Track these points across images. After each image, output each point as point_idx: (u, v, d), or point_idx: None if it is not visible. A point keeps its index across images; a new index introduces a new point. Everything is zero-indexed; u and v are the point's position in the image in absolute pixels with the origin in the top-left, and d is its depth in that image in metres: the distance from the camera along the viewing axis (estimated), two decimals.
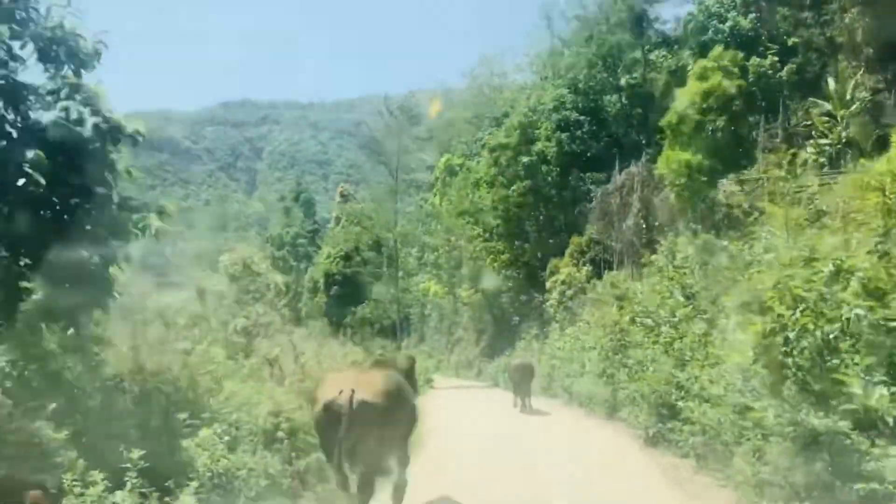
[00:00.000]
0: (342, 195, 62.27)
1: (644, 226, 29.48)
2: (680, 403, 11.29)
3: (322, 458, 7.70)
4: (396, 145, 50.40)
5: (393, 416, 7.24)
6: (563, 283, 32.19)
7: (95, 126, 7.31)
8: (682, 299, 13.93)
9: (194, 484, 6.10)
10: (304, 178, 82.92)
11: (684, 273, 14.64)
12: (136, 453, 5.75)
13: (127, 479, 5.68)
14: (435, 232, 50.44)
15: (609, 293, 24.88)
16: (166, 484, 6.04)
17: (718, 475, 9.43)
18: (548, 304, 32.79)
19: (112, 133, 7.40)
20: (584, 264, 33.03)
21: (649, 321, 14.30)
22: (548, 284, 33.55)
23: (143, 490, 5.74)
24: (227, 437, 7.14)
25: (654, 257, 19.69)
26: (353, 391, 6.80)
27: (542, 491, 9.36)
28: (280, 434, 8.10)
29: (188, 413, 6.98)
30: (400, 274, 54.42)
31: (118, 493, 5.56)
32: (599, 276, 30.34)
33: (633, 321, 15.63)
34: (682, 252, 18.60)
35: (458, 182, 48.48)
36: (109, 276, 7.23)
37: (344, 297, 50.89)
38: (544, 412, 19.39)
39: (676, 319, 13.44)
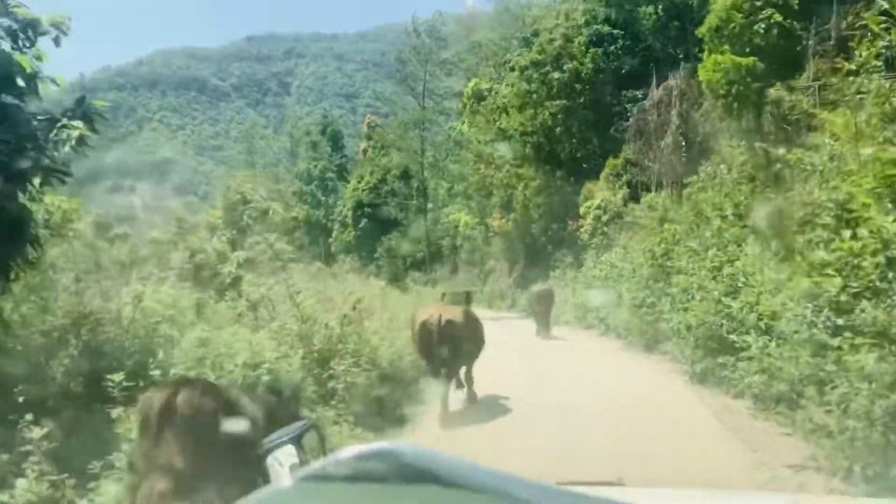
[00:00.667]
0: (369, 126, 60.54)
1: (684, 143, 27.53)
2: (733, 337, 9.81)
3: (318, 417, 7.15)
4: (423, 71, 48.31)
5: (468, 333, 10.45)
6: (597, 207, 30.53)
7: None
8: (731, 217, 12.33)
9: (122, 464, 4.78)
10: (332, 112, 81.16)
11: (739, 185, 13.00)
12: (38, 431, 4.48)
13: (27, 465, 4.42)
14: (464, 160, 48.70)
15: (647, 216, 23.35)
16: (90, 467, 4.77)
17: (782, 420, 8.01)
18: (582, 230, 31.21)
19: (25, 31, 5.95)
20: (620, 188, 31.34)
21: (695, 244, 12.71)
22: (581, 210, 31.92)
23: (55, 477, 4.47)
24: None
25: (701, 172, 18.01)
26: (440, 314, 10.19)
27: (577, 436, 7.98)
28: (260, 389, 6.83)
29: (125, 373, 5.62)
30: (430, 206, 53.04)
31: (20, 481, 4.32)
32: (637, 200, 28.72)
33: (676, 245, 14.04)
34: (729, 167, 17.00)
35: (486, 107, 46.61)
36: (24, 213, 5.86)
37: (373, 231, 49.60)
38: (579, 345, 18.09)
39: (725, 241, 11.87)
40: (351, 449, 0.94)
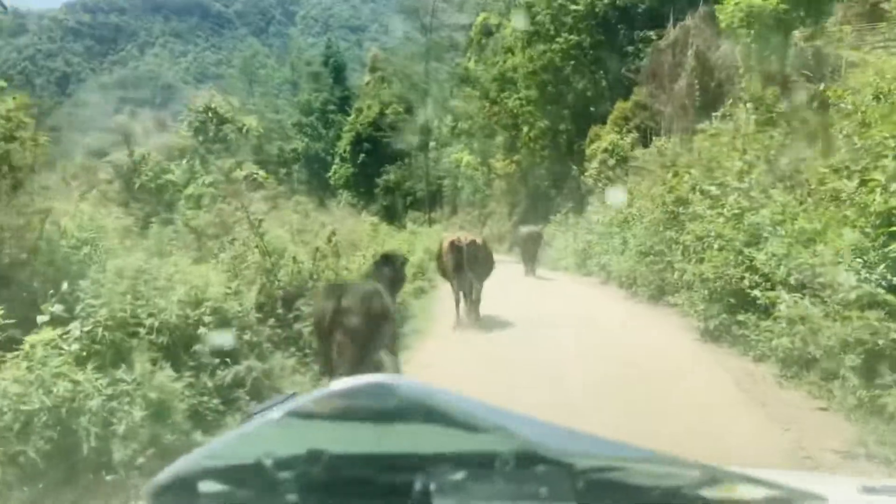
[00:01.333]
0: (373, 59, 58.50)
1: (698, 87, 26.03)
2: (756, 292, 8.63)
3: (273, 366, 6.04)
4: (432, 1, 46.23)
5: (484, 254, 12.92)
6: (604, 151, 29.14)
7: None
8: (755, 161, 11.05)
9: None
10: (337, 45, 78.62)
11: (764, 127, 11.71)
12: None
13: None
14: (469, 98, 47.00)
15: (657, 161, 22.05)
16: None
17: (815, 392, 6.88)
18: (587, 174, 29.87)
19: None
20: (628, 132, 29.93)
21: (714, 189, 11.44)
22: (587, 153, 30.54)
23: None
24: (78, 343, 4.61)
25: (720, 112, 16.67)
26: (466, 237, 12.77)
27: (573, 401, 6.80)
28: (201, 331, 5.64)
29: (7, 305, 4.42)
30: (432, 144, 51.52)
31: None
32: (645, 145, 27.38)
33: (693, 190, 12.76)
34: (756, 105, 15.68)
35: (493, 43, 44.87)
36: None
37: (372, 166, 48.06)
38: (578, 292, 16.98)
39: (748, 186, 10.61)
40: (342, 382, 0.93)
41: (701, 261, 10.64)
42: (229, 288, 6.37)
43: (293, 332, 7.22)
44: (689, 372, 8.19)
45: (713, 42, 26.19)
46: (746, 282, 9.01)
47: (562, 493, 0.96)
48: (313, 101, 59.32)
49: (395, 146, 47.25)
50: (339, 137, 54.28)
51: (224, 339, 5.51)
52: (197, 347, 5.46)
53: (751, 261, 9.14)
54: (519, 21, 37.03)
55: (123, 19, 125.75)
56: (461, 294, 12.36)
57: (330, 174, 51.98)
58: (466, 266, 12.01)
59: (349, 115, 55.74)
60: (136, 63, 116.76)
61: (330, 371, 6.29)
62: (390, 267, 7.64)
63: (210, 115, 23.28)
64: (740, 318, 8.86)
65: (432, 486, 0.96)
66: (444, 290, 14.75)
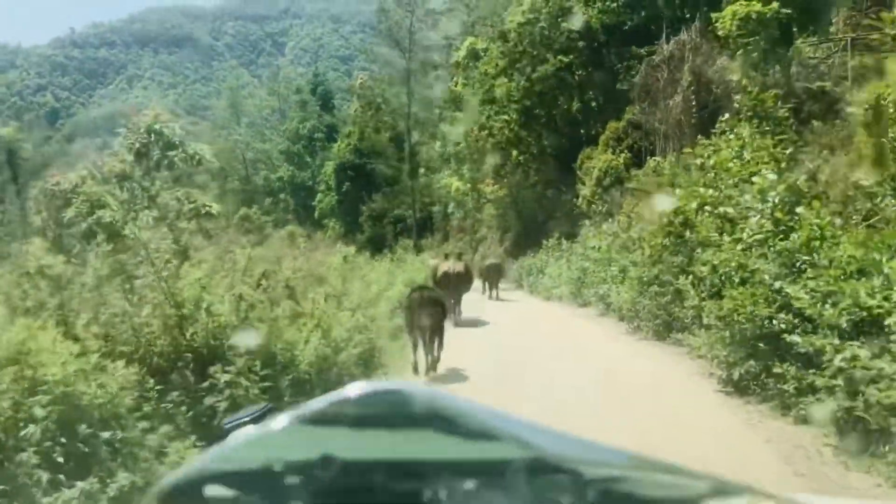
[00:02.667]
0: (361, 86, 57.06)
1: (694, 103, 24.49)
2: (795, 337, 6.87)
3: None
4: (408, 21, 44.81)
5: (467, 278, 17.61)
6: (598, 170, 27.51)
7: None
8: (773, 177, 9.34)
9: None
10: (326, 74, 77.50)
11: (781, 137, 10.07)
12: None
13: None
14: (457, 122, 45.53)
15: (654, 181, 20.47)
16: None
17: (891, 472, 5.10)
18: (579, 197, 28.25)
19: None
20: (621, 152, 28.37)
21: (729, 210, 9.71)
22: (579, 174, 28.94)
23: None
24: None
25: (721, 126, 15.09)
26: (455, 266, 17.00)
27: None
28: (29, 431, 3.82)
29: None
30: (422, 171, 50.00)
31: None
32: (639, 165, 25.86)
33: (700, 210, 11.04)
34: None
35: (480, 68, 43.53)
36: None
37: (357, 194, 46.39)
38: (574, 327, 15.23)
39: (770, 205, 8.87)
40: (354, 386, 0.91)
41: (718, 294, 8.90)
42: (87, 362, 4.60)
43: (203, 409, 5.44)
44: (718, 439, 6.38)
45: (710, 56, 24.71)
46: (780, 323, 7.24)
47: (574, 502, 0.96)
48: (300, 129, 57.81)
49: (380, 173, 45.64)
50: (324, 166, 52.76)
51: None
52: (22, 456, 3.70)
53: (784, 297, 7.38)
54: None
55: (112, 53, 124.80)
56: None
57: (315, 202, 50.32)
58: (456, 289, 16.21)
59: (336, 142, 54.31)
60: (126, 96, 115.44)
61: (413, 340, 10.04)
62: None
63: (153, 137, 21.37)
64: (776, 369, 7.07)
65: (443, 495, 0.96)
66: None
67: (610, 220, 19.27)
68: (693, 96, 24.67)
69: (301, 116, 61.74)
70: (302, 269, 11.67)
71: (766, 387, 7.47)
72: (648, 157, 25.98)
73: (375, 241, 42.86)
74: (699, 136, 22.12)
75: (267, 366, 6.05)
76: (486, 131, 39.90)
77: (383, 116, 47.38)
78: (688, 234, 11.53)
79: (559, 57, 33.84)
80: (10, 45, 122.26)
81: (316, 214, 49.87)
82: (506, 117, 37.63)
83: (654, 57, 27.37)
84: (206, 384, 5.64)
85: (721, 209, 10.07)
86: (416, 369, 9.84)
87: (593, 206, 27.28)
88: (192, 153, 22.03)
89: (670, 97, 25.84)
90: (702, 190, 11.62)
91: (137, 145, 20.83)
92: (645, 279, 12.68)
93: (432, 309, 9.90)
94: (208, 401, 5.50)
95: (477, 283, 25.55)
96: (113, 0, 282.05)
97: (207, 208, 16.00)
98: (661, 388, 8.67)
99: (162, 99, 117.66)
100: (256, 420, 1.74)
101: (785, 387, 6.97)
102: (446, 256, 19.36)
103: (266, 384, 5.90)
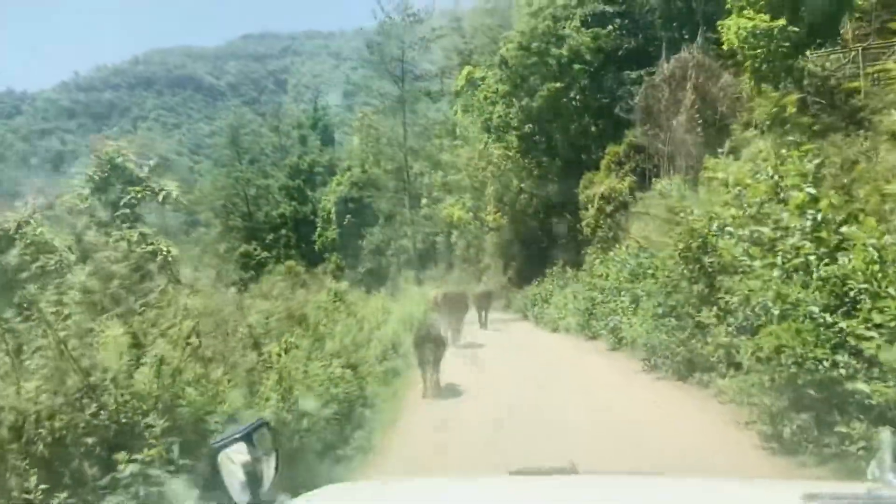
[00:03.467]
0: (362, 120, 56.09)
1: (700, 120, 23.25)
2: (861, 385, 5.45)
3: None
4: (399, 50, 43.80)
5: (464, 302, 20.79)
6: (600, 197, 26.20)
7: None
8: (812, 190, 7.98)
9: None
10: (329, 111, 76.71)
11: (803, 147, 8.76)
12: None
13: None
14: (457, 151, 44.41)
15: (661, 204, 19.15)
16: None
17: None
18: (584, 223, 26.92)
19: None
20: (624, 176, 27.08)
21: (763, 230, 8.31)
22: (582, 199, 27.62)
23: None
24: None
25: (730, 143, 13.80)
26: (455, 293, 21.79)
27: None
28: None
29: None
30: (424, 201, 48.78)
31: None
32: (643, 188, 24.57)
33: (720, 231, 9.65)
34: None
35: (479, 96, 42.50)
36: None
37: (358, 227, 45.07)
38: (584, 363, 13.77)
39: (811, 223, 7.48)
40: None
41: (750, 329, 7.49)
42: None
43: None
44: None
45: (713, 73, 23.53)
46: (839, 367, 5.82)
47: None
48: (300, 163, 56.74)
49: (380, 205, 44.41)
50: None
51: None
52: None
53: (838, 334, 5.97)
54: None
55: (116, 95, 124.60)
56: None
57: (316, 237, 49.04)
58: (456, 313, 19.00)
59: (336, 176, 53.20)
60: (131, 137, 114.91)
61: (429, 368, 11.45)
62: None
63: (113, 170, 20.01)
64: (840, 427, 5.63)
65: None
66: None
67: (616, 246, 17.81)
68: (697, 114, 23.47)
69: (301, 151, 60.76)
70: (276, 311, 10.28)
71: (824, 444, 6.02)
72: (653, 180, 24.75)
73: (377, 274, 41.51)
74: (705, 156, 21.01)
75: (196, 447, 4.66)
76: (486, 159, 38.89)
77: (381, 148, 46.21)
78: (706, 259, 10.14)
79: (553, 84, 32.80)
80: (17, 90, 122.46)
81: (317, 248, 48.59)
82: (505, 144, 36.71)
83: (654, 77, 26.19)
84: (108, 478, 4.26)
85: (748, 229, 8.66)
86: (425, 392, 11.38)
87: (598, 232, 25.97)
88: (157, 190, 20.63)
89: (673, 117, 24.62)
90: (719, 209, 10.24)
91: (96, 178, 19.43)
92: (660, 310, 11.25)
93: (435, 345, 11.80)
94: (112, 501, 4.12)
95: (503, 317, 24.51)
96: (116, 42, 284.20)
97: (165, 251, 14.18)
98: (694, 444, 7.21)
99: (166, 139, 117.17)
100: (247, 437, 1.85)
101: (851, 448, 5.53)
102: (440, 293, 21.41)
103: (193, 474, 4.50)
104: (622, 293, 14.66)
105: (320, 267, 44.13)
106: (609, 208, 25.48)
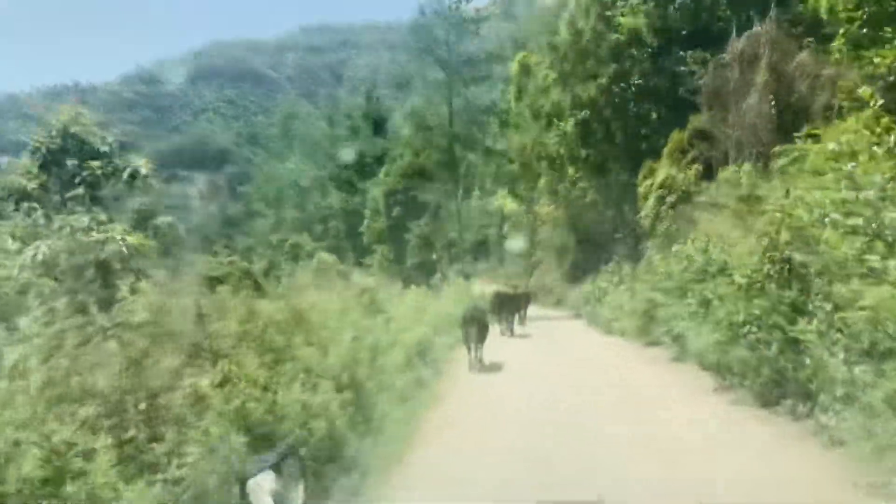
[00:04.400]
0: (412, 109, 54.47)
1: (773, 104, 20.72)
2: None
3: None
4: (445, 30, 41.81)
5: (519, 298, 22.98)
6: (661, 186, 23.82)
7: None
8: None
9: None
10: (378, 99, 75.40)
11: None
12: None
13: None
14: (511, 140, 42.37)
15: (731, 194, 16.93)
16: None
17: None
18: (642, 214, 24.61)
19: None
20: (688, 165, 24.64)
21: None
22: (641, 190, 25.28)
23: None
24: None
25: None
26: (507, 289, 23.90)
27: None
28: None
29: None
30: (476, 193, 46.92)
31: None
32: (709, 178, 22.24)
33: (819, 223, 7.49)
34: None
35: (532, 83, 40.38)
36: None
37: (406, 219, 43.31)
38: (646, 378, 11.66)
39: None
40: None
41: (877, 353, 5.38)
42: None
43: None
44: None
45: (789, 50, 20.97)
46: None
47: None
48: (350, 154, 55.39)
49: (428, 196, 42.61)
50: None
51: None
52: None
53: None
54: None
55: (178, 87, 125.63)
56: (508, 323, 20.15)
57: (364, 228, 47.54)
58: (507, 307, 20.83)
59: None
60: (192, 129, 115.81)
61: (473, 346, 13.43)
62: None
63: (70, 142, 18.15)
64: None
65: None
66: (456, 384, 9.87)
67: (680, 240, 15.53)
68: (771, 96, 20.95)
69: (352, 142, 59.52)
70: (278, 315, 8.51)
71: None
72: (719, 169, 22.42)
73: (424, 268, 39.74)
74: (780, 141, 18.68)
75: None
76: (539, 148, 36.82)
77: (429, 136, 44.38)
78: (799, 256, 7.99)
79: (609, 69, 30.64)
80: (82, 83, 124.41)
81: (365, 240, 47.12)
82: (560, 132, 34.59)
83: (723, 56, 23.66)
84: None
85: (865, 219, 6.50)
86: (470, 366, 13.17)
87: (658, 225, 23.65)
88: (122, 167, 18.45)
89: (743, 99, 22.12)
90: (818, 194, 8.04)
91: (44, 150, 17.38)
92: (738, 318, 9.10)
93: (480, 326, 13.59)
94: None
95: (572, 330, 22.73)
96: (178, 36, 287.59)
97: (121, 239, 12.11)
98: None
99: (226, 131, 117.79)
100: (276, 466, 1.92)
101: None
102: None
103: None
104: (688, 295, 12.47)
105: (369, 259, 42.77)
106: (670, 199, 23.10)
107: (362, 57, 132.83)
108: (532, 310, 25.92)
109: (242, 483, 1.86)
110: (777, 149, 18.31)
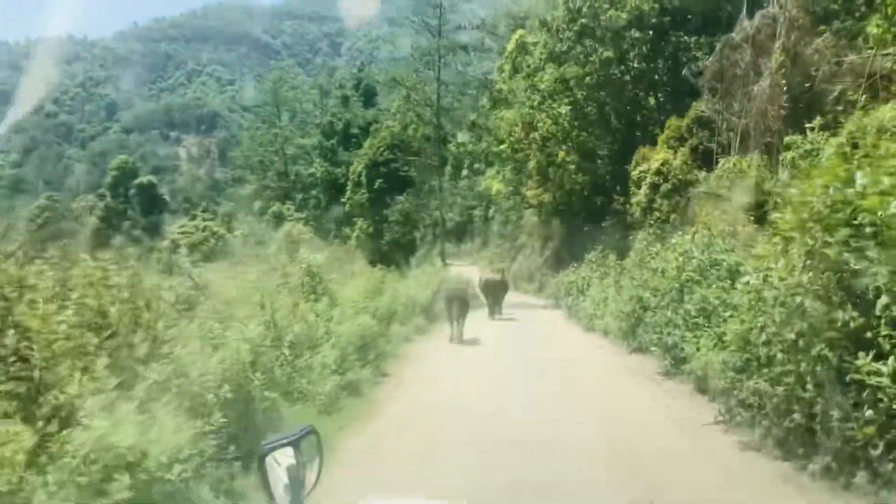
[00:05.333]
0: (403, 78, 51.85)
1: (787, 87, 18.45)
2: None
3: None
4: None
5: (502, 284, 21.55)
6: (656, 173, 21.60)
7: None
8: None
9: None
10: (371, 70, 72.72)
11: None
12: None
13: None
14: (501, 120, 40.00)
15: (742, 185, 14.82)
16: None
17: None
18: (633, 202, 22.42)
19: None
20: (686, 153, 22.47)
21: None
22: (634, 175, 23.07)
23: None
24: None
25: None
26: (493, 275, 21.55)
27: None
28: None
29: None
30: (464, 172, 44.57)
31: None
32: (709, 167, 20.21)
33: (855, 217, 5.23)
34: None
35: (528, 61, 38.07)
36: None
37: (389, 193, 40.84)
38: (631, 399, 9.37)
39: None
40: None
41: None
42: None
43: None
44: None
45: (807, 31, 18.69)
46: None
47: None
48: (336, 123, 52.77)
49: (411, 171, 40.13)
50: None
51: None
52: None
53: None
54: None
55: (173, 47, 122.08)
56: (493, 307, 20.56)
57: (345, 199, 45.04)
58: (493, 293, 20.77)
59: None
60: (184, 91, 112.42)
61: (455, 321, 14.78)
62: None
63: None
64: None
65: None
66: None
67: (679, 232, 13.20)
68: (784, 82, 18.68)
69: (340, 111, 56.92)
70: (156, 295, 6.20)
71: None
72: (718, 158, 20.44)
73: (403, 245, 37.40)
74: (791, 131, 16.68)
75: None
76: (530, 128, 34.61)
77: (415, 108, 41.80)
78: (854, 263, 5.73)
79: (605, 50, 28.65)
80: (77, 36, 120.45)
81: (346, 210, 44.66)
82: (553, 113, 32.47)
83: (733, 36, 21.34)
84: None
85: None
86: (451, 338, 14.53)
87: (649, 215, 21.46)
88: None
89: (753, 84, 19.86)
90: (887, 179, 5.74)
91: None
92: (757, 338, 6.83)
93: (461, 303, 15.10)
94: None
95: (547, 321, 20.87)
96: None
97: None
98: None
99: (219, 94, 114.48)
100: (295, 442, 1.92)
101: None
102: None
103: None
104: (685, 298, 10.22)
105: (348, 231, 40.44)
106: (665, 187, 20.90)
107: (361, 28, 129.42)
108: (511, 296, 23.83)
109: (261, 458, 1.85)
110: (788, 139, 16.21)
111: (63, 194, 72.20)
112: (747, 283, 7.38)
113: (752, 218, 12.31)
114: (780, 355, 6.32)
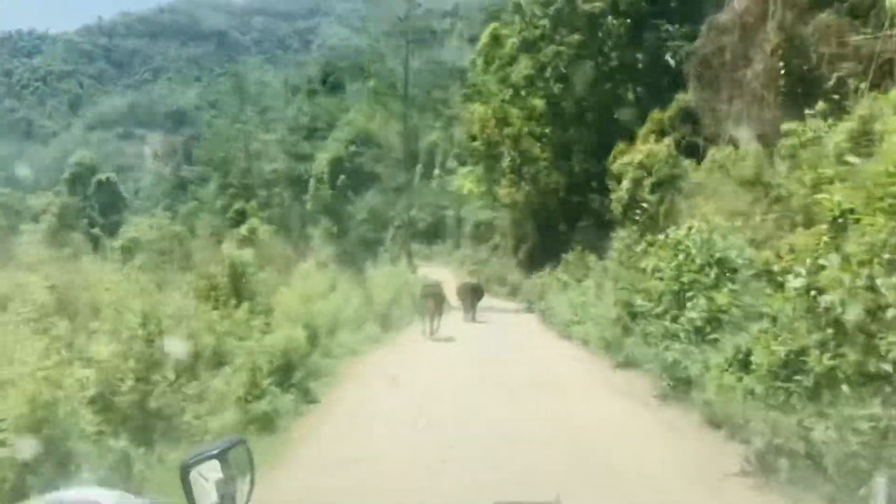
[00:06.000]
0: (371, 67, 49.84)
1: (783, 73, 16.77)
2: None
3: None
4: None
5: (479, 290, 21.40)
6: (639, 166, 19.80)
7: None
8: None
9: None
10: (343, 66, 70.52)
11: None
12: None
13: None
14: (473, 116, 38.25)
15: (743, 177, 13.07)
16: None
17: None
18: (614, 198, 20.65)
19: None
20: (670, 146, 20.84)
21: None
22: (614, 169, 21.28)
23: None
24: None
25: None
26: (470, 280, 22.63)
27: None
28: None
29: None
30: (436, 171, 42.68)
31: None
32: (697, 160, 18.60)
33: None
34: None
35: (500, 52, 36.37)
36: None
37: (352, 190, 38.74)
38: (622, 437, 7.33)
39: None
40: (55, 496, 0.93)
41: None
42: None
43: None
44: None
45: (805, 9, 17.03)
46: None
47: None
48: (300, 117, 50.60)
49: (377, 167, 38.08)
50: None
51: None
52: None
53: None
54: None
55: (139, 43, 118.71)
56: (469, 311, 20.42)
57: (307, 197, 42.83)
58: (470, 297, 20.58)
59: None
60: (150, 87, 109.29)
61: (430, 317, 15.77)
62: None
63: None
64: None
65: None
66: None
67: (674, 227, 11.27)
68: (781, 64, 17.00)
69: (306, 105, 54.75)
70: None
71: None
72: (704, 150, 18.92)
73: (368, 245, 35.36)
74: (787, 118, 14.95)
75: None
76: (503, 123, 32.98)
77: (382, 99, 39.76)
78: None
79: (577, 37, 27.30)
80: (38, 30, 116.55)
81: (309, 209, 42.51)
82: (527, 107, 31.02)
83: (722, 17, 19.66)
84: None
85: None
86: (425, 333, 15.50)
87: (631, 211, 19.69)
88: None
89: (744, 69, 18.19)
90: None
91: None
92: (779, 358, 4.93)
93: (436, 300, 16.21)
94: None
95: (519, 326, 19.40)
96: None
97: None
98: None
99: (186, 91, 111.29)
100: (222, 454, 1.75)
101: None
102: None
103: None
104: (688, 304, 8.31)
105: (311, 231, 38.49)
106: (649, 181, 19.13)
107: (333, 27, 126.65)
108: (484, 300, 22.03)
109: (184, 472, 1.64)
110: (787, 127, 14.48)
111: (21, 191, 69.09)
112: (798, 286, 5.42)
113: (757, 210, 10.52)
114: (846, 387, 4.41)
